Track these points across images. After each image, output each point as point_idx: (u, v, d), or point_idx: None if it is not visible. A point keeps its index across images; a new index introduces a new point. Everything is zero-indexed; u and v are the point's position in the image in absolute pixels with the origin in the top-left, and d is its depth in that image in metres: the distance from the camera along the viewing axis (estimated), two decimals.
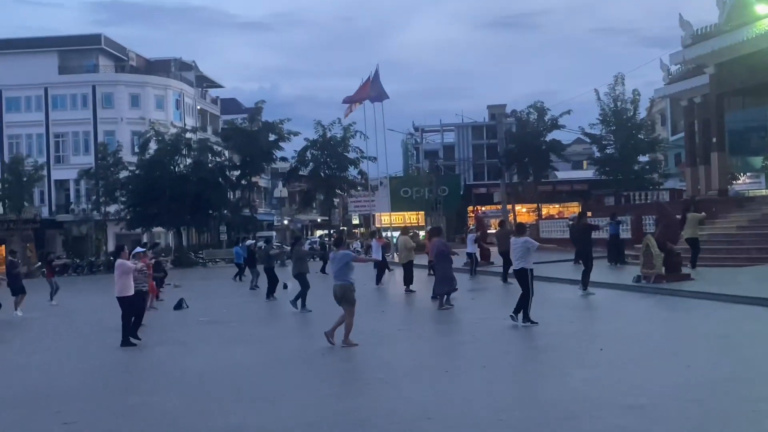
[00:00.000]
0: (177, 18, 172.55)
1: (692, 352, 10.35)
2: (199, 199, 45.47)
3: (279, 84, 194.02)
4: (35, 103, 60.86)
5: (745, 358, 9.61)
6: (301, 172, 55.06)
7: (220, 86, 75.23)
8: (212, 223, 50.98)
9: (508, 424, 7.16)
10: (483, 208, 65.91)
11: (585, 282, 17.42)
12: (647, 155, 47.63)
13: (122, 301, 13.93)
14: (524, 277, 13.55)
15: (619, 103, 46.15)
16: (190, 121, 64.42)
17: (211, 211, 48.11)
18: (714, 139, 28.51)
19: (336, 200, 59.15)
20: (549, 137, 50.44)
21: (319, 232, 78.55)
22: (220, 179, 48.43)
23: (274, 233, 76.85)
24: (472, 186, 69.91)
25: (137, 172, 46.63)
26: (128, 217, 47.61)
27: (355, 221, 77.32)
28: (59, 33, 67.05)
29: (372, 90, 39.21)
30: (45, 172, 50.43)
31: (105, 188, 47.10)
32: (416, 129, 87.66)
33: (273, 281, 21.44)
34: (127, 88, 61.82)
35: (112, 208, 49.03)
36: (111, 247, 47.46)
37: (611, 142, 46.60)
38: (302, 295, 17.90)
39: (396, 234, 49.82)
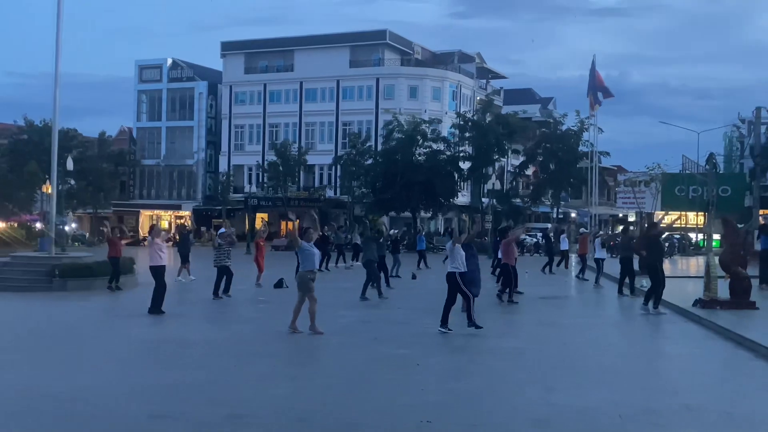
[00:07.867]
0: (530, 7, 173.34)
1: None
2: (430, 187, 47.62)
3: (627, 71, 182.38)
4: (328, 95, 67.88)
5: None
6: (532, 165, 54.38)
7: (503, 77, 76.52)
8: (442, 210, 53.06)
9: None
10: None
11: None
12: None
13: None
14: (452, 280, 13.59)
15: None
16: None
17: (441, 200, 49.98)
18: None
19: (563, 194, 57.13)
20: None
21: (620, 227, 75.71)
22: (451, 169, 49.97)
23: (549, 225, 76.34)
24: (764, 187, 62.43)
25: (379, 160, 50.12)
26: (370, 202, 51.52)
27: (632, 218, 73.19)
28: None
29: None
30: (307, 156, 56.42)
31: (352, 174, 51.45)
32: (742, 121, 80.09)
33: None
34: (407, 81, 66.17)
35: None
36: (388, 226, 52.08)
37: None
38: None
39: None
